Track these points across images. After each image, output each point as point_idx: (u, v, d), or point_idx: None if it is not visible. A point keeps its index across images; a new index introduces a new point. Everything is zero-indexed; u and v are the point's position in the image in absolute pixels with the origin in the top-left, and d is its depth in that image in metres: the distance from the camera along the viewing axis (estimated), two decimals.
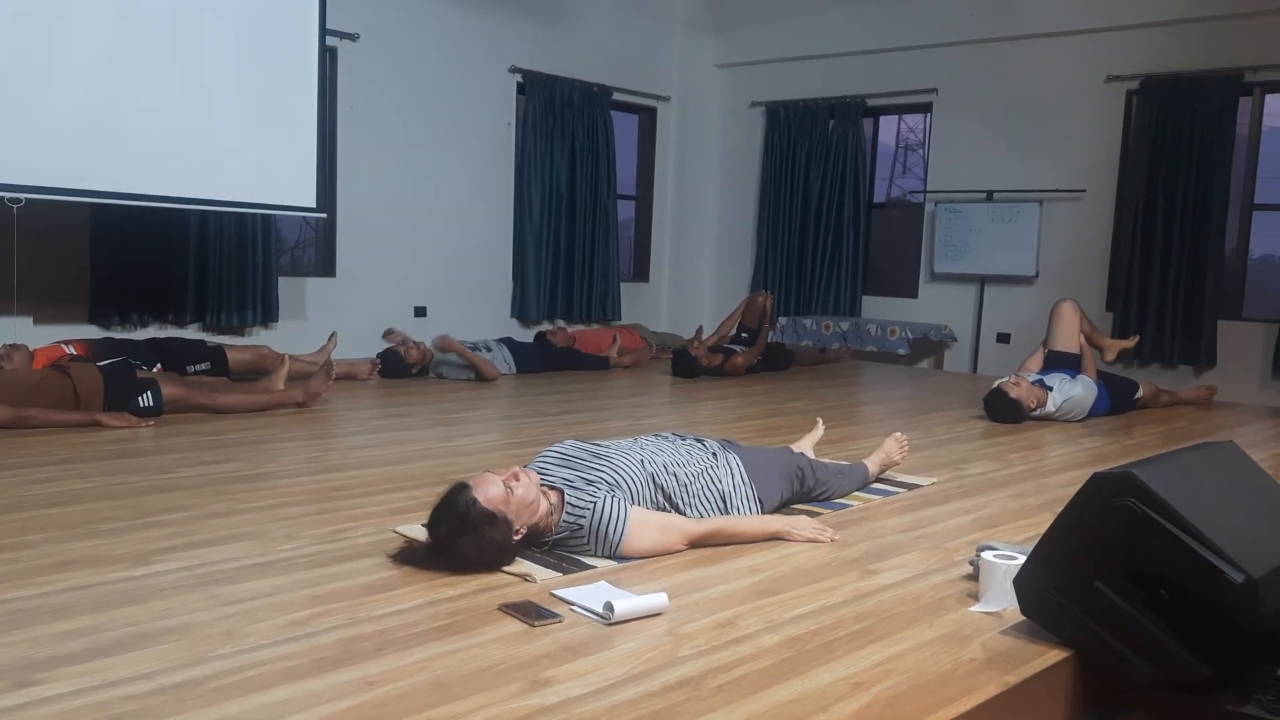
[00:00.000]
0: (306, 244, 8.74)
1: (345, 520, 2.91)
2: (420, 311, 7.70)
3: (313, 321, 6.88)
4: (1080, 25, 7.47)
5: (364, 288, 7.21)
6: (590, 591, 2.34)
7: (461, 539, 2.42)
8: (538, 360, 6.61)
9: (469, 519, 2.41)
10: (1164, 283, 7.16)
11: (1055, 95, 7.64)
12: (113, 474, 3.41)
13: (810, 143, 8.85)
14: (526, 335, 8.02)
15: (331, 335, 6.14)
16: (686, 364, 6.54)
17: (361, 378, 6.02)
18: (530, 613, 2.20)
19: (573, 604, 2.27)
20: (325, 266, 7.18)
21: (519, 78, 8.13)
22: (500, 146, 8.09)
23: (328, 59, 6.46)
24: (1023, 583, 2.19)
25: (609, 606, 2.18)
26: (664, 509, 2.76)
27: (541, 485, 2.62)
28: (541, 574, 2.46)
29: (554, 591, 2.34)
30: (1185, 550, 1.98)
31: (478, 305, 8.02)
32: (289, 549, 2.63)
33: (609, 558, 2.58)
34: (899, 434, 3.57)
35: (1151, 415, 5.41)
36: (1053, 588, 2.13)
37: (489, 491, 2.45)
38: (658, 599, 2.24)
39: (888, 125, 9.69)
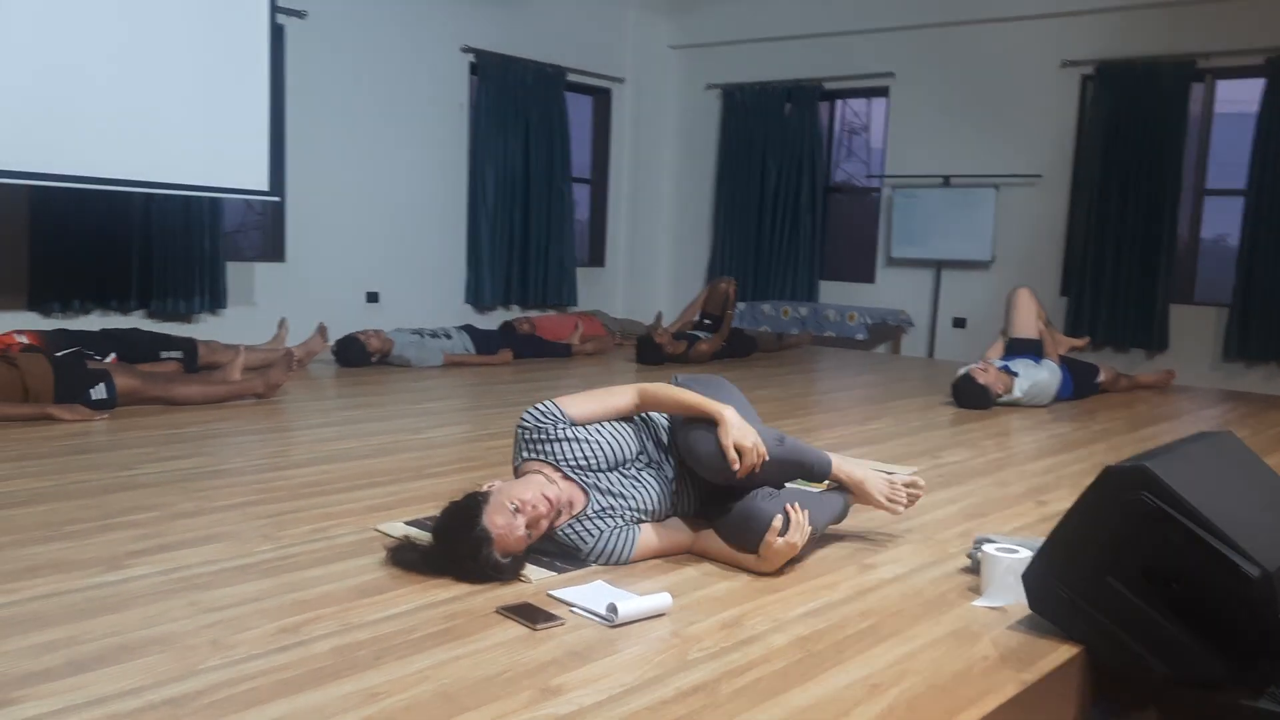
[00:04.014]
0: (249, 228, 8.51)
1: (323, 519, 2.81)
2: (372, 297, 7.55)
3: (261, 308, 6.69)
4: (1036, 10, 7.52)
5: (314, 273, 7.03)
6: (589, 592, 2.27)
7: (470, 576, 2.31)
8: (498, 347, 6.49)
9: (479, 567, 2.29)
10: (1118, 267, 7.25)
11: (1011, 80, 7.68)
12: (70, 471, 3.26)
13: (767, 126, 8.81)
14: (481, 320, 7.91)
15: (281, 322, 5.98)
16: (651, 351, 6.48)
17: (318, 352, 5.88)
18: (531, 616, 2.13)
19: (573, 605, 2.20)
20: (274, 251, 6.98)
21: (472, 58, 7.99)
22: (453, 128, 7.94)
23: (276, 38, 6.25)
24: (1032, 578, 2.17)
25: (613, 608, 2.11)
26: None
27: (571, 477, 2.47)
28: (536, 574, 2.38)
29: (551, 592, 2.27)
30: (1200, 544, 1.96)
31: (431, 291, 7.88)
32: (268, 550, 2.52)
33: None
34: (916, 482, 2.72)
35: (1113, 400, 5.47)
36: (1064, 583, 2.11)
37: (507, 542, 2.28)
38: (661, 599, 2.18)
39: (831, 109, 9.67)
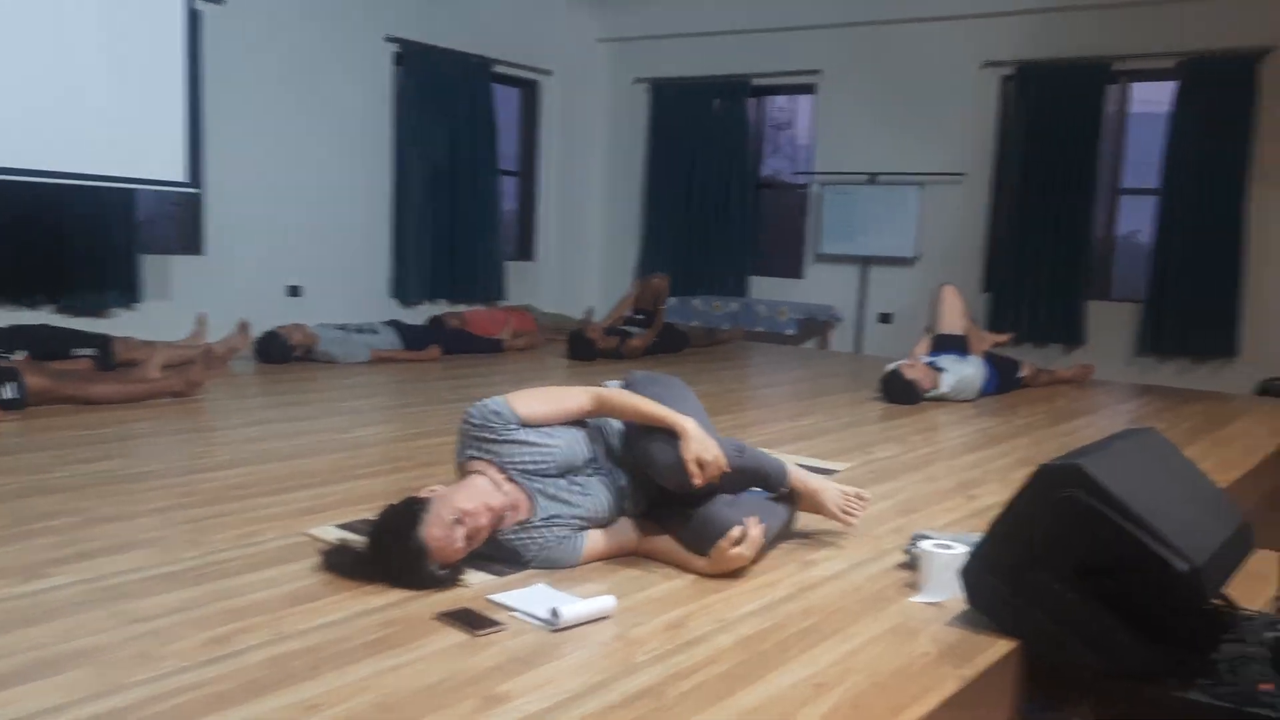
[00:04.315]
0: (163, 218, 8.26)
1: (250, 523, 2.73)
2: (294, 291, 7.38)
3: (179, 303, 6.49)
4: (959, 10, 7.65)
5: (234, 266, 6.85)
6: (530, 595, 2.24)
7: (407, 579, 2.25)
8: (427, 343, 6.40)
9: (416, 577, 2.23)
10: (1038, 264, 7.41)
11: (935, 79, 7.81)
12: None
13: (696, 121, 8.82)
14: (407, 315, 7.79)
15: (200, 317, 5.81)
16: (583, 347, 6.44)
17: (240, 348, 5.73)
18: (471, 621, 2.09)
19: (513, 610, 2.17)
20: (192, 244, 6.79)
21: (396, 47, 7.85)
22: (377, 119, 7.80)
23: (193, 24, 6.06)
24: (970, 575, 2.19)
25: (555, 612, 2.09)
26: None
27: (517, 480, 2.40)
28: (475, 577, 2.34)
29: (490, 597, 2.23)
30: (1132, 541, 2.00)
31: (355, 285, 7.74)
32: (194, 557, 2.44)
33: None
34: (860, 496, 2.72)
35: (1034, 394, 5.59)
36: (1000, 580, 2.14)
37: (446, 553, 2.23)
38: (604, 602, 2.16)
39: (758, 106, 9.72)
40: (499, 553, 2.42)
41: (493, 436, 2.43)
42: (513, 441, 2.43)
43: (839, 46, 8.20)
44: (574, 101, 9.38)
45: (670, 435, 2.42)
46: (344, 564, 2.35)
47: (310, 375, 5.47)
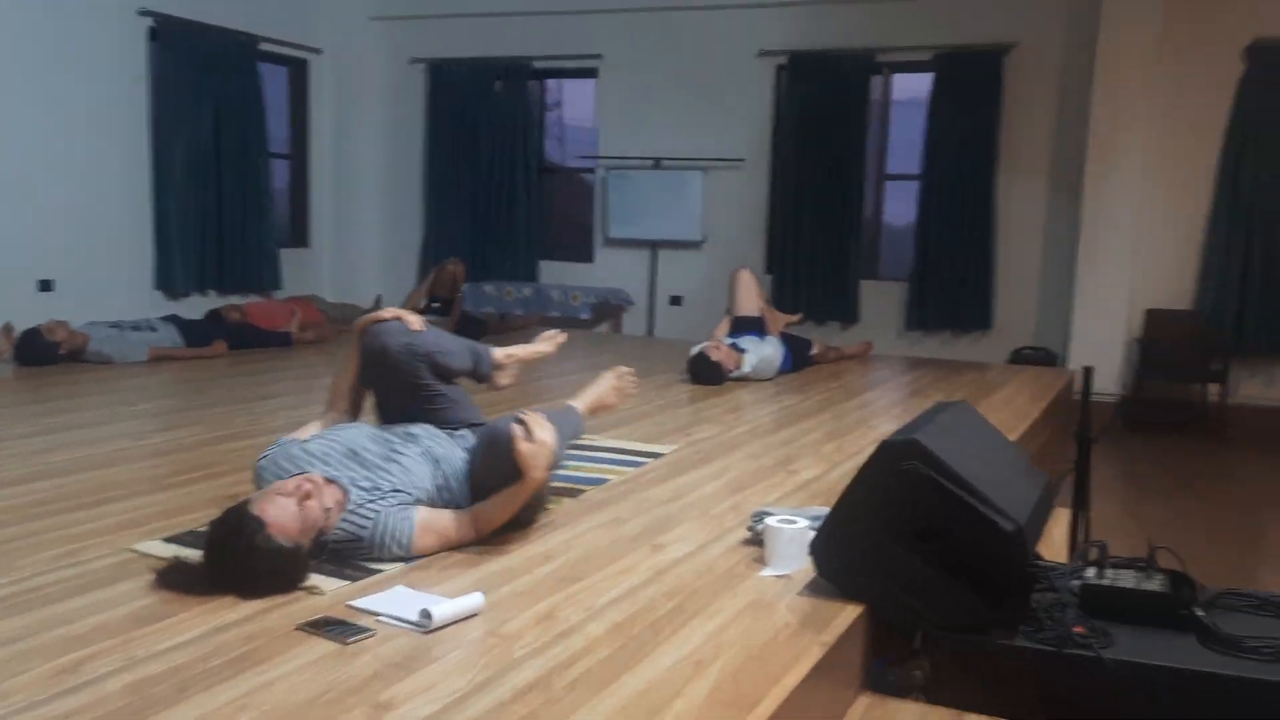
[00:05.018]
0: None
1: (67, 541, 2.53)
2: (45, 286, 6.83)
3: None
4: (734, 0, 7.93)
5: None
6: (393, 598, 2.20)
7: (257, 575, 2.17)
8: (210, 338, 6.05)
9: (264, 555, 2.16)
10: (814, 246, 7.83)
11: (714, 66, 8.07)
12: None
13: (478, 104, 8.74)
14: (176, 308, 7.35)
15: None
16: None
17: (4, 353, 5.25)
18: (338, 630, 2.03)
19: (378, 615, 2.12)
20: None
21: (150, 22, 7.37)
22: (132, 99, 7.30)
23: None
24: (819, 547, 2.33)
25: (426, 614, 2.06)
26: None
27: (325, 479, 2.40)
28: (328, 584, 2.27)
29: (351, 603, 2.17)
30: (965, 506, 2.19)
31: (114, 277, 7.23)
32: (11, 583, 2.24)
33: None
34: (623, 369, 3.23)
35: (825, 371, 5.92)
36: (847, 550, 2.29)
37: (283, 521, 2.19)
38: (473, 600, 2.15)
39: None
40: (341, 553, 2.38)
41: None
42: (299, 455, 2.56)
43: (620, 31, 8.33)
44: (346, 81, 9.08)
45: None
46: (176, 577, 2.24)
47: (82, 378, 5.07)
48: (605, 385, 3.17)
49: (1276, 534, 4.63)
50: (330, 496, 2.37)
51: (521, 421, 2.45)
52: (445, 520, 2.52)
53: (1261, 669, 2.07)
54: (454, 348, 2.92)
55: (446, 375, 2.87)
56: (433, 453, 2.64)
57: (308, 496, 2.26)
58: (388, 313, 2.87)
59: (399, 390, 2.83)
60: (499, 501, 2.52)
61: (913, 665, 2.29)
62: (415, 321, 2.84)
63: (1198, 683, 2.07)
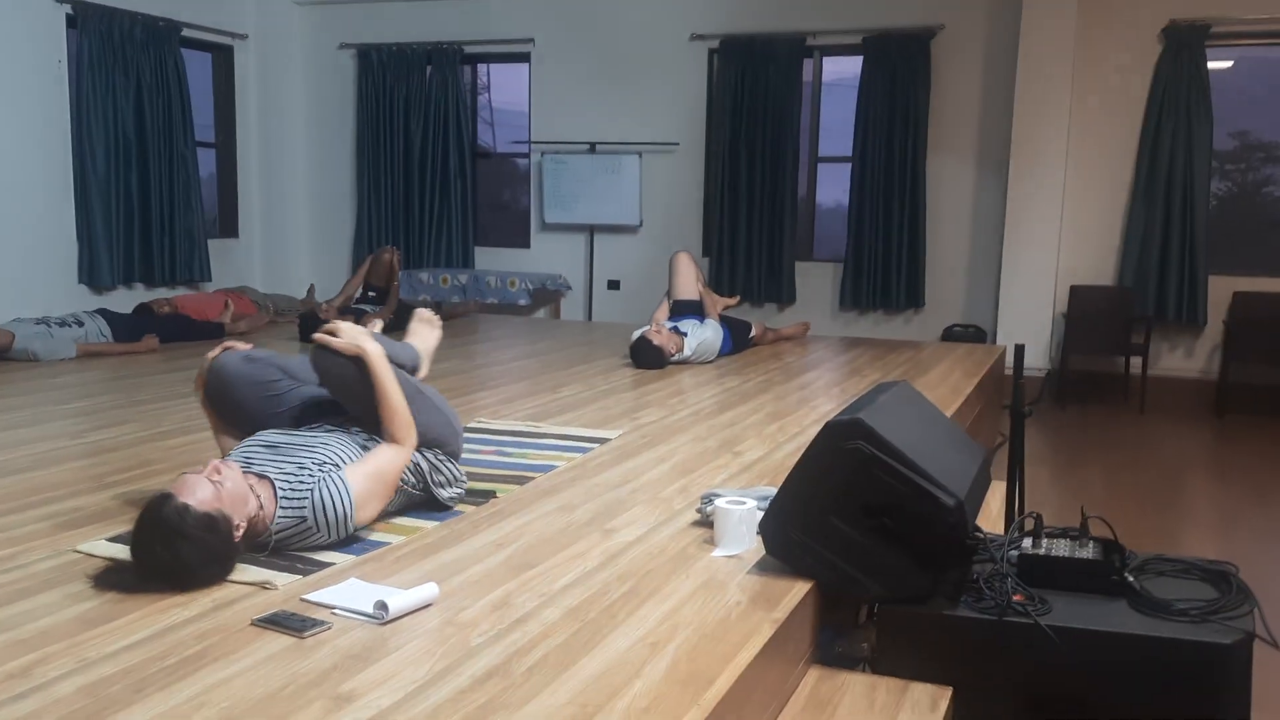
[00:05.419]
0: None
1: (8, 544, 2.48)
2: None
3: None
4: None
5: None
6: (348, 591, 2.20)
7: (182, 553, 2.16)
8: (140, 332, 5.93)
9: (184, 530, 2.15)
10: (750, 228, 7.91)
11: (647, 50, 8.09)
12: None
13: (409, 90, 8.66)
14: (102, 302, 7.19)
15: None
16: (316, 328, 6.17)
17: None
18: (294, 624, 2.03)
19: (333, 607, 2.13)
20: None
21: (68, 8, 7.18)
22: (50, 88, 7.11)
23: None
24: (768, 526, 2.38)
25: (382, 605, 2.07)
26: None
27: (247, 476, 2.40)
28: (280, 579, 2.27)
29: (305, 597, 2.17)
30: (908, 482, 2.25)
31: (35, 271, 7.06)
32: None
33: (347, 537, 2.44)
34: (423, 310, 3.41)
35: (765, 352, 5.99)
36: (795, 528, 2.34)
37: (198, 493, 2.20)
38: (428, 590, 2.16)
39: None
40: (291, 543, 2.40)
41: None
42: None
43: (551, 16, 8.30)
44: (272, 68, 8.93)
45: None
46: (122, 577, 2.22)
47: (10, 376, 4.94)
48: (420, 329, 3.30)
49: (1196, 499, 4.82)
50: (262, 491, 2.37)
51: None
52: (368, 461, 2.55)
53: (1190, 630, 2.17)
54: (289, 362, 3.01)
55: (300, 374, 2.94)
56: (346, 425, 2.70)
57: (216, 472, 2.26)
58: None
59: (264, 407, 2.84)
60: (384, 404, 2.62)
61: (860, 638, 2.36)
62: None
63: (1131, 645, 2.16)
